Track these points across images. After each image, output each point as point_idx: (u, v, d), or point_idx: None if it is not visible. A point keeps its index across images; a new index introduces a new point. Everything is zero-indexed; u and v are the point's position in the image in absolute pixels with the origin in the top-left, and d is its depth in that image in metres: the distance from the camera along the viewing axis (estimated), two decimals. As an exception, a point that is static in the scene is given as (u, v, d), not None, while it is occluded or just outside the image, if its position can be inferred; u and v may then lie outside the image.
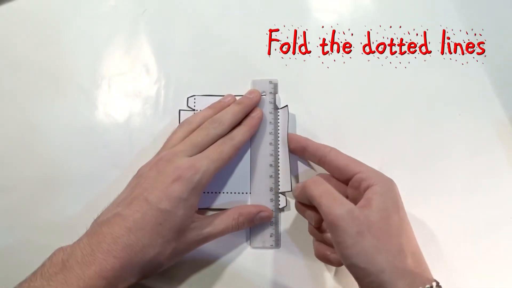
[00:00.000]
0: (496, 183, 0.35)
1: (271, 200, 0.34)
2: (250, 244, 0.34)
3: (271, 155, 0.35)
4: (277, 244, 0.34)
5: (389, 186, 0.28)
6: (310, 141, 0.34)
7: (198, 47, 0.38)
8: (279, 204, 0.34)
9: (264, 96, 0.36)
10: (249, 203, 0.34)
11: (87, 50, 0.38)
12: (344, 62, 0.38)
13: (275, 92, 0.36)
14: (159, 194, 0.28)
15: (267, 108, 0.36)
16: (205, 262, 0.34)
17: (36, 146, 0.36)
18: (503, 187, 0.35)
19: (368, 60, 0.38)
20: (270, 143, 0.35)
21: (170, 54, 0.38)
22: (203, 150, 0.31)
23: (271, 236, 0.34)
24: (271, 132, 0.35)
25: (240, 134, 0.33)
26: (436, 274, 0.26)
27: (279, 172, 0.35)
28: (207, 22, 0.39)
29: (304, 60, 0.38)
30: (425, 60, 0.38)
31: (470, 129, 0.36)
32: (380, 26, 0.39)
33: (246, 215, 0.32)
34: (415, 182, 0.35)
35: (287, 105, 0.36)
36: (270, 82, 0.36)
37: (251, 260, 0.34)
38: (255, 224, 0.33)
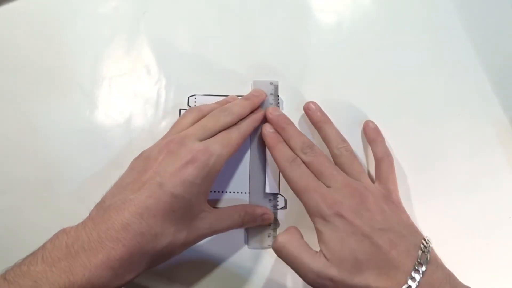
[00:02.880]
0: (496, 183, 0.35)
1: (270, 200, 0.34)
2: (247, 245, 0.34)
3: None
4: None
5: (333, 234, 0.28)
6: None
7: (199, 47, 0.38)
8: (277, 205, 0.34)
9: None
10: (247, 203, 0.34)
11: (87, 50, 0.38)
12: (344, 62, 0.38)
13: (275, 93, 0.36)
14: (172, 178, 0.26)
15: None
16: (203, 262, 0.34)
17: (36, 146, 0.36)
18: (503, 187, 0.35)
19: (368, 60, 0.38)
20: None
21: (171, 55, 0.38)
22: (211, 137, 0.30)
23: (269, 237, 0.34)
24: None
25: (245, 124, 0.32)
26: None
27: (268, 173, 0.35)
28: (208, 22, 0.39)
29: (305, 60, 0.38)
30: (425, 60, 0.38)
31: (469, 129, 0.36)
32: (380, 26, 0.39)
33: (251, 214, 0.32)
34: (415, 182, 0.35)
35: (278, 96, 0.36)
36: (271, 83, 0.36)
37: (249, 260, 0.34)
38: (255, 225, 0.33)
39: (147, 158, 0.29)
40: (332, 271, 0.26)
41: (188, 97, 0.37)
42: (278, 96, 0.37)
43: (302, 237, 0.29)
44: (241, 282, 0.34)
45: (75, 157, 0.36)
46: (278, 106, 0.36)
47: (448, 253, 0.34)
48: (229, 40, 0.39)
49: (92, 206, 0.28)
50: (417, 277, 0.25)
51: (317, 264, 0.27)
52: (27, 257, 0.24)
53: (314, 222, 0.29)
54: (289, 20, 0.39)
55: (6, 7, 0.39)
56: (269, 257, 0.34)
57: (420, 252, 0.26)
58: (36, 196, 0.35)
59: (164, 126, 0.36)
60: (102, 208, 0.26)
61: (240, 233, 0.34)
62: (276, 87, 0.36)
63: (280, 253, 0.28)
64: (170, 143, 0.28)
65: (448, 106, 0.37)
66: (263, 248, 0.34)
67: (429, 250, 0.26)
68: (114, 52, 0.38)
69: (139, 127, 0.37)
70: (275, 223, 0.34)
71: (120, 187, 0.28)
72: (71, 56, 0.38)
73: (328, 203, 0.28)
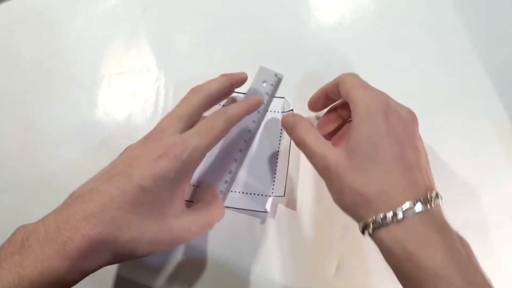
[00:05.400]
0: (496, 182, 0.35)
1: (226, 182, 0.34)
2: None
3: (245, 141, 0.35)
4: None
5: (367, 113, 0.27)
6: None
7: (198, 46, 0.38)
8: (272, 192, 0.34)
9: (264, 85, 0.35)
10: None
11: (87, 49, 0.38)
12: (344, 62, 0.38)
13: (276, 85, 0.36)
14: (142, 171, 0.25)
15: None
16: (201, 261, 0.34)
17: (36, 145, 0.36)
18: (503, 186, 0.35)
19: (368, 60, 0.38)
20: (249, 130, 0.35)
21: (170, 54, 0.38)
22: (192, 124, 0.29)
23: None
24: (254, 121, 0.35)
25: (234, 107, 0.30)
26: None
27: (276, 176, 0.34)
28: (207, 21, 0.39)
29: (305, 60, 0.38)
30: (425, 59, 0.38)
31: (470, 128, 0.36)
32: (380, 25, 0.39)
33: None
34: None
35: (292, 109, 0.36)
36: (276, 75, 0.36)
37: (249, 260, 0.34)
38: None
39: (124, 154, 0.28)
40: (337, 156, 0.26)
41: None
42: (285, 99, 0.36)
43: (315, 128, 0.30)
44: (242, 282, 0.34)
45: (75, 155, 0.36)
46: (269, 101, 0.36)
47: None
48: (229, 39, 0.39)
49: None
50: (423, 207, 0.24)
51: (325, 149, 0.27)
52: None
53: (353, 115, 0.27)
54: (289, 20, 0.39)
55: (5, 5, 0.39)
56: (271, 256, 0.34)
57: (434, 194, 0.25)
58: (36, 195, 0.35)
59: (164, 125, 0.36)
60: (69, 198, 0.25)
61: (241, 232, 0.34)
62: (279, 81, 0.36)
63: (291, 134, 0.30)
64: (147, 139, 0.28)
65: (448, 105, 0.37)
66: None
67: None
68: (113, 51, 0.38)
69: (138, 126, 0.36)
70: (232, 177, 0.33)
71: (93, 179, 0.27)
72: (71, 54, 0.38)
73: (381, 100, 0.27)
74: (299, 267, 0.33)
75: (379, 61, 0.38)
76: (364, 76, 0.37)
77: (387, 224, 0.24)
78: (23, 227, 0.24)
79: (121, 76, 0.38)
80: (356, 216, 0.26)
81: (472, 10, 0.39)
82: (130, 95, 0.37)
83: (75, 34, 0.38)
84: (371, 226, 0.24)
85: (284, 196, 0.34)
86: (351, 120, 0.29)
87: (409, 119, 0.28)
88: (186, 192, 0.27)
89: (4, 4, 0.39)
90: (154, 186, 0.25)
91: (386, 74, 0.38)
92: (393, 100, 0.29)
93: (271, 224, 0.34)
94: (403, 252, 0.23)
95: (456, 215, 0.34)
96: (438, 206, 0.25)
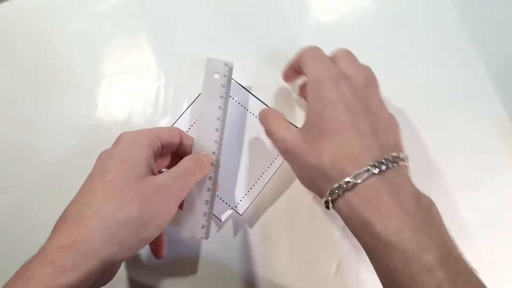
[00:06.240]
0: (497, 182, 0.35)
1: (209, 178, 0.31)
2: (180, 233, 0.30)
3: (216, 142, 0.32)
4: (207, 236, 0.31)
5: (316, 88, 0.26)
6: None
7: (198, 46, 0.38)
8: (236, 206, 0.34)
9: (217, 77, 0.33)
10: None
11: (87, 49, 0.38)
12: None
13: (229, 75, 0.33)
14: (99, 163, 0.27)
15: (217, 93, 0.33)
16: (201, 262, 0.34)
17: (36, 145, 0.36)
18: (504, 186, 0.35)
19: (368, 59, 0.38)
20: (216, 129, 0.32)
21: (170, 53, 0.38)
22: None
23: (202, 228, 0.31)
24: (219, 118, 0.33)
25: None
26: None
27: (247, 194, 0.34)
28: (207, 21, 0.39)
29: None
30: (425, 59, 0.38)
31: (470, 128, 0.36)
32: (380, 25, 0.39)
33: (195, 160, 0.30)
34: (415, 181, 0.35)
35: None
36: (226, 64, 0.33)
37: (249, 260, 0.34)
38: (204, 174, 0.30)
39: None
40: (295, 135, 0.26)
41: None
42: (232, 79, 0.34)
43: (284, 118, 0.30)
44: (242, 284, 0.34)
45: (75, 155, 0.36)
46: (228, 89, 0.34)
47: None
48: (228, 39, 0.39)
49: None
50: (377, 170, 0.23)
51: (286, 132, 0.27)
52: None
53: (307, 92, 0.27)
54: (289, 19, 0.39)
55: (5, 5, 0.39)
56: (273, 260, 0.34)
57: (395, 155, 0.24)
58: (36, 195, 0.35)
59: (163, 124, 0.36)
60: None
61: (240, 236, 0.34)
62: (230, 69, 0.34)
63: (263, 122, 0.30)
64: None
65: (448, 105, 0.37)
66: (195, 237, 0.31)
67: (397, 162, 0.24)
68: (113, 51, 0.38)
69: (138, 125, 0.36)
70: (210, 214, 0.31)
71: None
72: (71, 54, 0.38)
73: (330, 72, 0.27)
74: (299, 267, 0.33)
75: (379, 61, 0.38)
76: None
77: (342, 193, 0.23)
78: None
79: (121, 76, 0.38)
80: (319, 192, 0.26)
81: (472, 10, 0.39)
82: (130, 95, 0.37)
83: (75, 34, 0.38)
84: (330, 198, 0.24)
85: (241, 215, 0.34)
86: None
87: (363, 84, 0.27)
88: (149, 153, 0.27)
89: (4, 4, 0.39)
90: (113, 175, 0.25)
91: (386, 74, 0.38)
92: (350, 65, 0.28)
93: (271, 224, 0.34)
94: (358, 220, 0.23)
95: (456, 215, 0.35)
96: (399, 168, 0.24)
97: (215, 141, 0.32)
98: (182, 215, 0.31)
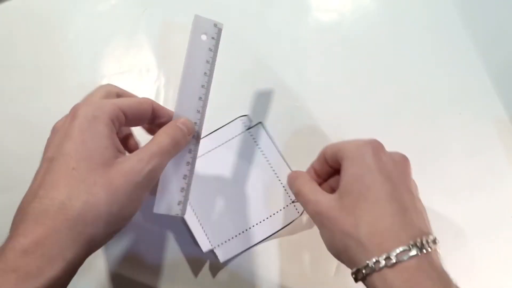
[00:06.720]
0: (496, 182, 0.35)
1: (189, 151, 0.29)
2: (154, 208, 0.28)
3: (198, 112, 0.29)
4: (183, 212, 0.29)
5: (356, 153, 0.26)
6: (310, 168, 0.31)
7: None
8: (298, 212, 0.33)
9: (204, 38, 0.30)
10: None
11: (87, 48, 0.38)
12: (344, 61, 0.38)
13: (217, 38, 0.30)
14: (59, 139, 0.24)
15: (204, 56, 0.30)
16: (201, 262, 0.34)
17: (36, 145, 0.36)
18: (503, 185, 0.35)
19: (369, 59, 0.38)
20: (200, 98, 0.29)
21: (170, 53, 0.38)
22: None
23: (178, 204, 0.29)
24: (203, 86, 0.29)
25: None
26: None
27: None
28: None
29: (305, 59, 0.38)
30: (426, 59, 0.38)
31: (470, 128, 0.36)
32: (381, 25, 0.39)
33: (174, 127, 0.27)
34: (415, 181, 0.35)
35: (260, 122, 0.36)
36: (215, 25, 0.30)
37: (249, 260, 0.34)
38: (184, 143, 0.27)
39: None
40: (330, 200, 0.25)
41: None
42: (219, 42, 0.31)
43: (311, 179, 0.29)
44: (240, 281, 0.34)
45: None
46: (216, 53, 0.30)
47: (449, 252, 0.34)
48: (228, 39, 0.39)
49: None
50: (418, 251, 0.22)
51: (319, 195, 0.26)
52: None
53: (343, 158, 0.26)
54: (289, 20, 0.39)
55: (5, 5, 0.39)
56: (272, 259, 0.34)
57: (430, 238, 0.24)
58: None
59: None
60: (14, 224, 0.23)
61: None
62: (219, 31, 0.30)
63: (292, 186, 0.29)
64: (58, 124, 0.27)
65: (449, 105, 0.37)
66: (170, 214, 0.28)
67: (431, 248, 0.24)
68: (113, 51, 0.38)
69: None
70: (187, 189, 0.29)
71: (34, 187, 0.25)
72: (71, 54, 0.38)
73: (370, 141, 0.26)
74: (299, 267, 0.33)
75: (379, 61, 0.38)
76: (364, 76, 0.38)
77: (380, 269, 0.22)
78: None
79: (121, 76, 0.38)
80: (348, 261, 0.24)
81: (472, 10, 0.39)
82: (130, 95, 0.37)
83: (75, 34, 0.38)
84: (363, 271, 0.23)
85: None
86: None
87: (401, 160, 0.27)
88: (113, 136, 0.24)
89: (4, 4, 0.39)
90: (74, 147, 0.23)
91: (386, 74, 0.38)
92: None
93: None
94: None
95: (455, 215, 0.35)
96: (435, 251, 0.23)
97: (198, 111, 0.29)
98: (157, 191, 0.28)
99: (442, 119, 0.36)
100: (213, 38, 0.30)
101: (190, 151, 0.29)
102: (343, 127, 0.36)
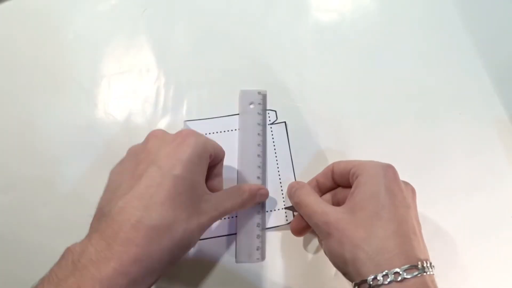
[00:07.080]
0: (497, 182, 0.35)
1: (258, 178, 0.34)
2: (235, 258, 0.32)
3: (259, 167, 0.34)
4: (263, 257, 0.33)
5: (374, 172, 0.27)
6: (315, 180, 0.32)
7: (198, 46, 0.38)
8: (287, 220, 0.34)
9: (251, 107, 0.35)
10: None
11: (87, 48, 0.38)
12: (344, 62, 0.38)
13: (263, 103, 0.36)
14: (168, 160, 0.24)
15: (254, 119, 0.35)
16: (201, 262, 0.34)
17: (36, 145, 0.36)
18: (503, 185, 0.35)
19: (369, 59, 0.38)
20: (258, 155, 0.34)
21: (170, 53, 0.38)
22: None
23: (257, 250, 0.32)
24: (259, 144, 0.35)
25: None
26: (436, 273, 0.26)
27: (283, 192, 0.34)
28: (207, 21, 0.39)
29: (305, 59, 0.38)
30: (425, 59, 0.38)
31: (470, 128, 0.36)
32: (380, 25, 0.39)
33: (249, 191, 0.30)
34: (415, 182, 0.35)
35: (284, 122, 0.36)
36: (259, 92, 0.36)
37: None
38: (255, 203, 0.32)
39: (134, 155, 0.27)
40: (338, 212, 0.26)
41: (185, 121, 0.36)
42: (266, 108, 0.36)
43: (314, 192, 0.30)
44: (240, 281, 0.34)
45: (75, 155, 0.36)
46: (269, 120, 0.36)
47: (450, 252, 0.34)
48: (228, 39, 0.39)
49: (91, 203, 0.28)
50: (420, 272, 0.24)
51: (325, 206, 0.27)
52: (33, 285, 0.22)
53: (359, 175, 0.27)
54: (289, 20, 0.39)
55: (5, 5, 0.39)
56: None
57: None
58: (36, 195, 0.35)
59: (163, 124, 0.36)
60: (102, 215, 0.24)
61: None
62: (264, 97, 0.36)
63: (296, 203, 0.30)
64: (149, 139, 0.27)
65: (449, 105, 0.37)
66: (251, 262, 0.32)
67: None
68: (113, 51, 0.38)
69: (138, 125, 0.36)
70: (263, 235, 0.33)
71: (112, 190, 0.25)
72: (71, 54, 0.38)
73: (385, 164, 0.28)
74: (299, 267, 0.33)
75: (379, 61, 0.38)
76: (364, 76, 0.38)
77: (389, 283, 0.23)
78: (69, 250, 0.23)
79: (121, 76, 0.38)
80: (354, 272, 0.25)
81: (472, 10, 0.39)
82: (130, 95, 0.37)
83: (75, 34, 0.38)
84: (371, 283, 0.23)
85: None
86: (340, 186, 0.30)
87: (412, 190, 0.29)
88: (205, 175, 0.27)
89: (4, 4, 0.39)
90: (184, 172, 0.24)
91: (386, 74, 0.38)
92: None
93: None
94: None
95: (455, 215, 0.35)
96: (431, 276, 0.25)
97: (259, 167, 0.34)
98: (237, 240, 0.32)
99: (442, 119, 0.36)
100: (259, 103, 0.36)
101: (259, 203, 0.33)
102: (343, 127, 0.36)
